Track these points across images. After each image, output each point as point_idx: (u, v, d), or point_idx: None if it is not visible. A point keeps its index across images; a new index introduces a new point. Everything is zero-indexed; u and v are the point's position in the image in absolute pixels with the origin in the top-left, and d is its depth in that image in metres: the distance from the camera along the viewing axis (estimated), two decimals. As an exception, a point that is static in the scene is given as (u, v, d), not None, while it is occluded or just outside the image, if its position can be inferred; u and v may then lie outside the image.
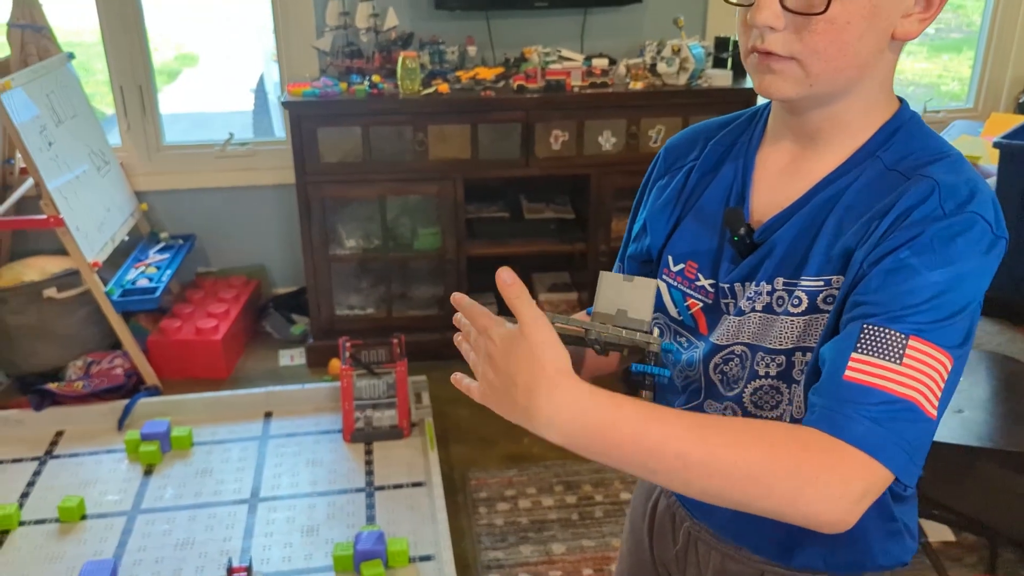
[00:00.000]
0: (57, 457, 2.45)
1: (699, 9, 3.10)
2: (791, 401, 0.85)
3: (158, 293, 2.72)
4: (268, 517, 2.22)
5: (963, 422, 1.66)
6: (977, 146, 2.95)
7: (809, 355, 0.82)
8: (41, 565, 2.06)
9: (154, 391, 2.69)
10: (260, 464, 2.43)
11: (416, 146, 2.72)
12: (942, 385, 0.73)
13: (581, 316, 0.92)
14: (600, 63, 2.79)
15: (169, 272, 2.85)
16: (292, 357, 3.01)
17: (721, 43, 2.90)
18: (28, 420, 2.56)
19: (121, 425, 2.56)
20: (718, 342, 0.89)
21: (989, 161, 2.87)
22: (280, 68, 3.06)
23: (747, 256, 0.86)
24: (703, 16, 3.11)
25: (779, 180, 0.88)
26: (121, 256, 2.89)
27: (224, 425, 2.59)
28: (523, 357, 0.72)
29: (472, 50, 2.94)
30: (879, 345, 0.72)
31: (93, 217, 2.71)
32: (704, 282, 0.91)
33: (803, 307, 0.82)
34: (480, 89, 2.72)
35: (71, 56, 2.91)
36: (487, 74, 2.78)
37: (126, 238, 2.91)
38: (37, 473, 2.38)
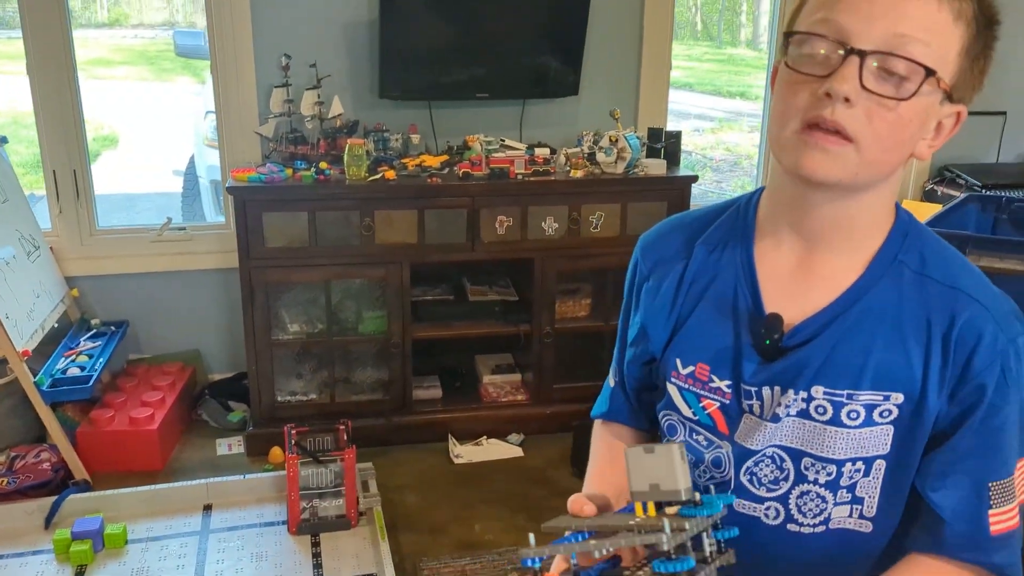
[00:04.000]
0: (-22, 560, 2.30)
1: (631, 101, 3.26)
2: (832, 512, 0.87)
3: (91, 382, 2.61)
4: (212, 618, 2.12)
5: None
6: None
7: (860, 464, 0.84)
8: None
9: (84, 486, 2.56)
10: (201, 560, 2.32)
11: (363, 231, 2.74)
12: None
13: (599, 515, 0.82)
14: (542, 152, 2.89)
15: (102, 360, 2.75)
16: (230, 446, 2.92)
17: (655, 134, 3.04)
18: (-55, 521, 2.39)
19: (49, 523, 2.41)
20: (751, 446, 0.88)
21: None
22: (221, 153, 3.05)
23: (776, 360, 0.86)
24: (635, 108, 3.27)
25: (793, 283, 0.87)
26: (49, 344, 2.77)
27: (160, 520, 2.48)
28: None
29: (416, 138, 3.00)
30: (1004, 495, 0.82)
31: (22, 304, 2.61)
32: (720, 383, 0.89)
33: (860, 420, 0.83)
34: (426, 176, 2.77)
35: (4, 140, 2.84)
36: (433, 161, 2.84)
37: (56, 325, 2.80)
38: (-44, 579, 2.23)
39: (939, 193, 3.40)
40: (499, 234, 2.82)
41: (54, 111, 2.86)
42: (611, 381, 1.07)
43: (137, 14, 10.52)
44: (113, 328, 2.97)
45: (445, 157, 2.90)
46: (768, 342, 0.85)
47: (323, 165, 2.75)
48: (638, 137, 2.93)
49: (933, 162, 3.54)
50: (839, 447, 0.84)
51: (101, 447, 2.69)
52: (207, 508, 2.54)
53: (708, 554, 0.72)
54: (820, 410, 0.84)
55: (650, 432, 1.07)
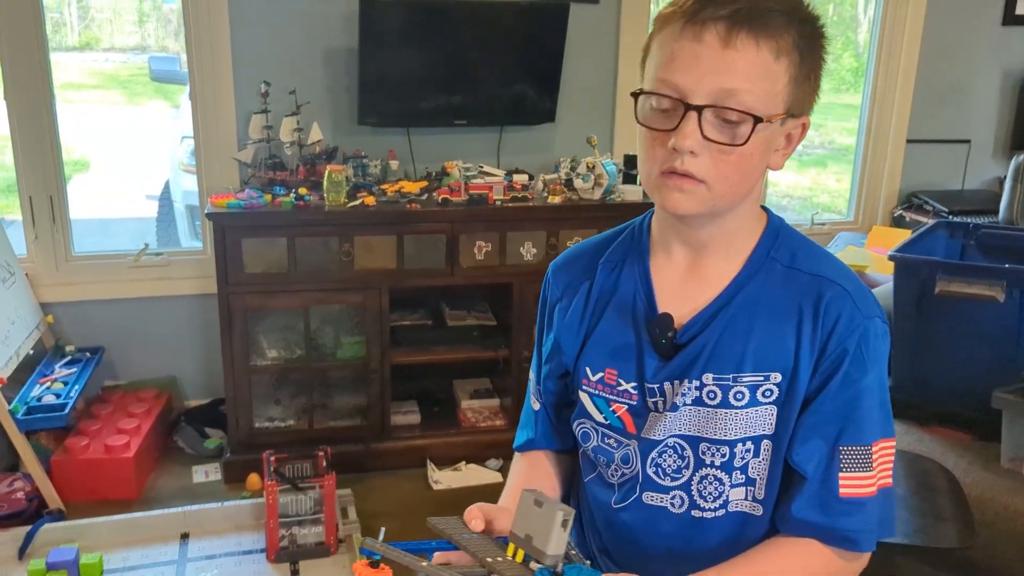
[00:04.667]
0: (-51, 593, 2.26)
1: (607, 128, 3.31)
2: (729, 495, 0.95)
3: (67, 410, 2.59)
4: (191, 648, 2.10)
5: (887, 518, 1.76)
6: (863, 256, 3.21)
7: (750, 444, 0.93)
8: None
9: (58, 515, 2.53)
10: (179, 591, 2.30)
11: (342, 256, 2.75)
12: (894, 456, 0.94)
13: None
14: (520, 178, 2.92)
15: (77, 387, 2.72)
16: (207, 473, 2.89)
17: (631, 160, 3.09)
18: (-85, 553, 2.35)
19: (22, 554, 2.38)
20: (653, 437, 0.97)
21: (875, 270, 3.12)
22: (199, 178, 3.05)
23: (673, 357, 0.95)
24: (611, 134, 3.32)
25: (684, 287, 0.97)
26: (23, 371, 2.74)
27: (137, 549, 2.45)
28: None
29: (394, 164, 3.02)
30: (857, 461, 0.91)
31: (-3, 330, 2.58)
32: (627, 386, 0.98)
33: (746, 400, 0.93)
34: (406, 202, 2.79)
35: (-22, 165, 2.82)
36: (412, 187, 2.86)
37: (31, 351, 2.77)
38: (-74, 612, 2.18)
39: (907, 219, 3.48)
40: (478, 259, 2.84)
41: (31, 136, 2.85)
42: (534, 404, 1.12)
43: (108, 38, 10.47)
44: (88, 354, 2.94)
45: (424, 183, 2.92)
46: (664, 341, 0.95)
47: (302, 191, 2.76)
48: (615, 163, 2.97)
49: (902, 189, 3.63)
50: (730, 428, 0.93)
51: (76, 475, 2.66)
52: (184, 536, 2.52)
53: None
54: (711, 395, 0.94)
55: (571, 454, 1.12)
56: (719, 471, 0.94)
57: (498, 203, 2.82)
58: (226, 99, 2.93)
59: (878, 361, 0.92)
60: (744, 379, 0.92)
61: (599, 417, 1.01)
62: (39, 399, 2.64)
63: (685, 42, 0.85)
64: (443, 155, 3.07)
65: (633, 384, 0.97)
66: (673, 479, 0.97)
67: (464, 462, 2.98)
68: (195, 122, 2.98)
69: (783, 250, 0.95)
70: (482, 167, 3.00)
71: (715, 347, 0.93)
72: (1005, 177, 3.01)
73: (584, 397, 1.02)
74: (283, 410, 2.98)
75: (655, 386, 0.96)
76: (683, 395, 0.94)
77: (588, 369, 1.01)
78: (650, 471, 0.98)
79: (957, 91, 3.56)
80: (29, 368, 2.79)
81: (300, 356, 2.88)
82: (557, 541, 0.79)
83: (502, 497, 1.06)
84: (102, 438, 2.76)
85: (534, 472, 1.09)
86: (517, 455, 1.13)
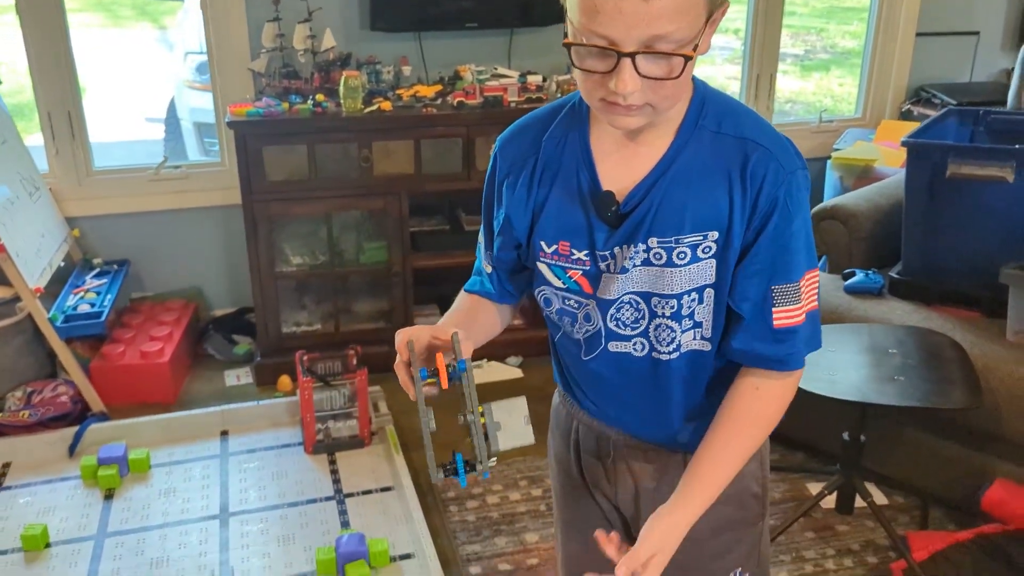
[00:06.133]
0: (8, 488, 2.38)
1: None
2: (680, 339, 1.06)
3: (103, 317, 2.68)
4: (241, 530, 2.22)
5: (900, 388, 1.86)
6: (871, 151, 3.26)
7: (695, 294, 1.02)
8: (10, 595, 2.01)
9: (102, 417, 2.64)
10: (224, 481, 2.42)
11: (361, 162, 2.79)
12: (818, 281, 1.03)
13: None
14: (534, 79, 2.94)
15: (110, 296, 2.80)
16: (238, 377, 3.00)
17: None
18: (-30, 454, 2.47)
19: (72, 452, 2.50)
20: (610, 297, 1.05)
21: (884, 164, 3.17)
22: (214, 91, 3.07)
23: (619, 226, 1.02)
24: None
25: (622, 159, 1.02)
26: (55, 284, 2.81)
27: (180, 446, 2.57)
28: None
29: (407, 70, 3.03)
30: (786, 296, 1.00)
31: (30, 243, 2.65)
32: (580, 254, 1.05)
33: (688, 259, 1.00)
34: (421, 106, 2.82)
35: (-3, 81, 2.84)
36: (427, 91, 2.89)
37: (61, 264, 2.84)
38: (-11, 506, 2.31)
39: (915, 113, 3.50)
40: (494, 162, 2.88)
41: (45, 52, 2.86)
42: (486, 267, 1.16)
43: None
44: (115, 267, 3.02)
45: (439, 87, 2.94)
46: (608, 213, 1.02)
47: (319, 98, 2.79)
48: (626, 63, 2.98)
49: (910, 83, 3.64)
50: (676, 284, 1.02)
51: (114, 381, 2.76)
52: (224, 434, 2.64)
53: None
54: (657, 256, 1.01)
55: (515, 306, 1.22)
56: (670, 320, 1.04)
57: (513, 104, 2.85)
58: (237, 9, 2.93)
59: (801, 207, 0.99)
60: (685, 240, 1.00)
61: (558, 283, 1.09)
62: (75, 308, 2.72)
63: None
64: (454, 60, 3.08)
65: (585, 252, 1.05)
66: (632, 329, 1.07)
67: (485, 359, 3.08)
68: (206, 34, 2.98)
69: (710, 117, 1.00)
70: (496, 69, 3.01)
71: (656, 214, 1.00)
72: (1013, 68, 3.03)
73: (542, 267, 1.09)
74: (309, 315, 3.07)
75: (606, 252, 1.03)
76: (631, 258, 1.02)
77: (543, 243, 1.07)
78: (611, 324, 1.08)
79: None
80: (61, 281, 2.87)
81: (323, 262, 2.96)
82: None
83: (444, 317, 1.16)
84: (136, 345, 2.85)
85: (476, 311, 1.17)
86: (464, 293, 1.21)
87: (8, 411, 2.57)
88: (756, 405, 1.05)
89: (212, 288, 3.28)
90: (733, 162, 0.97)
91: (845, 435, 2.00)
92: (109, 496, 2.35)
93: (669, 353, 1.06)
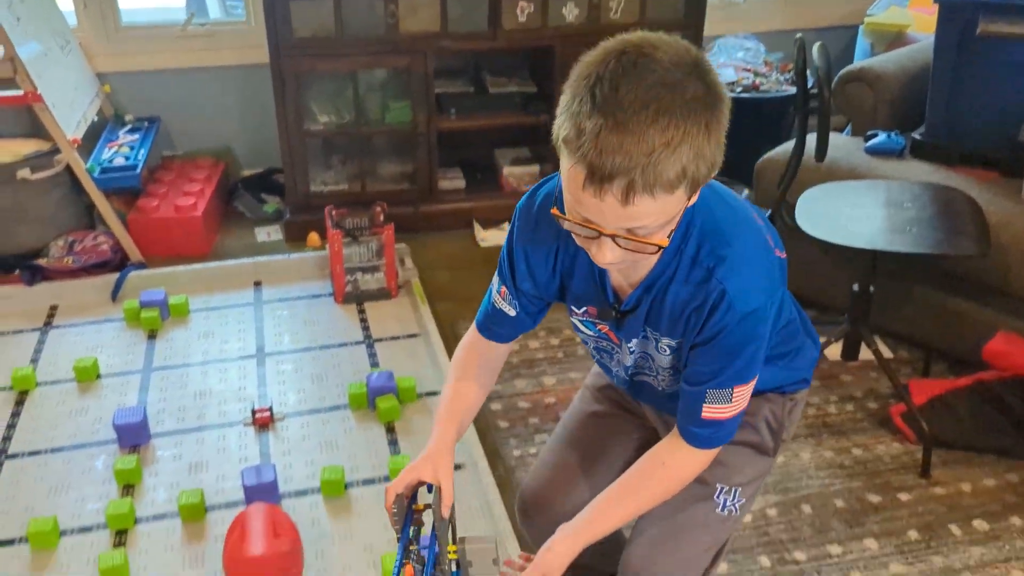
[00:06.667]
0: (57, 327, 2.52)
1: None
2: (664, 382, 1.24)
3: (139, 169, 2.76)
4: (277, 368, 2.36)
5: (912, 237, 1.92)
6: (904, 16, 3.20)
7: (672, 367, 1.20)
8: (68, 419, 2.16)
9: (140, 266, 2.75)
10: (259, 326, 2.55)
11: (388, 19, 2.79)
12: (751, 392, 1.15)
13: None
14: (561, -65, 2.89)
15: (143, 151, 2.87)
16: (268, 233, 3.09)
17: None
18: (19, 296, 2.60)
19: (115, 297, 2.63)
20: (631, 360, 1.24)
21: (916, 29, 3.13)
22: (238, -56, 3.04)
23: (623, 320, 1.17)
24: None
25: (623, 270, 1.12)
26: (88, 140, 2.88)
27: (216, 294, 2.69)
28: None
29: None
30: (718, 398, 1.13)
31: (64, 95, 2.70)
32: (604, 320, 1.20)
33: (668, 352, 1.17)
34: (447, -40, 2.79)
35: (21, -70, 2.83)
36: (453, -55, 2.85)
37: (95, 119, 2.90)
38: (41, 342, 2.45)
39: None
40: (520, 21, 2.87)
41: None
42: (509, 311, 1.23)
43: None
44: (146, 123, 3.07)
45: (465, -59, 2.90)
46: (614, 315, 1.17)
47: (345, -49, 2.76)
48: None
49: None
50: (663, 360, 1.19)
51: (150, 233, 2.86)
52: (257, 284, 2.76)
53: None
54: (647, 341, 1.18)
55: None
56: (668, 373, 1.22)
57: (539, -39, 2.81)
58: None
59: (750, 341, 1.09)
60: (664, 341, 1.16)
61: (589, 333, 1.24)
62: (110, 161, 2.80)
63: (588, 196, 0.91)
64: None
65: (608, 321, 1.20)
66: (648, 371, 1.24)
67: (507, 222, 3.15)
68: None
69: (692, 242, 1.06)
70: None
71: (647, 316, 1.14)
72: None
73: (574, 320, 1.25)
74: (335, 174, 3.13)
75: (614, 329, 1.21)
76: (639, 341, 1.20)
77: (573, 307, 1.21)
78: (636, 369, 1.26)
79: None
80: (94, 137, 2.94)
81: (350, 121, 3.00)
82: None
83: (443, 411, 1.25)
84: (171, 200, 2.94)
85: (473, 393, 1.27)
86: (468, 345, 1.29)
87: (52, 257, 2.69)
88: (659, 474, 1.19)
89: (240, 148, 3.34)
90: (698, 293, 1.07)
91: (855, 286, 2.07)
92: (152, 336, 2.49)
93: (672, 387, 1.23)
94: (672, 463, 1.18)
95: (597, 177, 0.89)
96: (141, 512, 1.88)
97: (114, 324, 2.54)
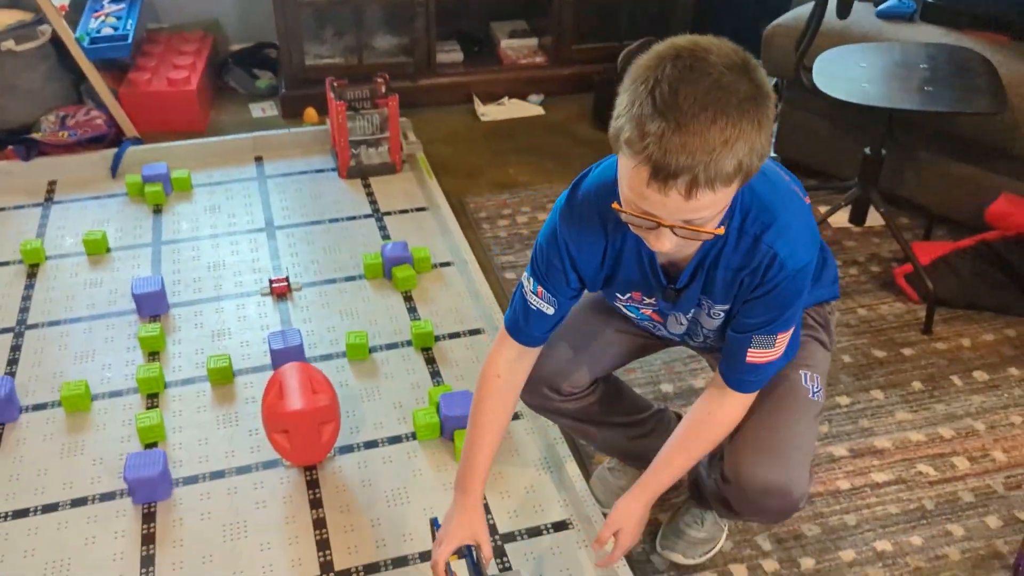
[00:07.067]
0: (59, 202, 2.48)
1: None
2: (708, 340, 1.35)
3: (129, 39, 2.66)
4: (288, 241, 2.36)
5: (929, 96, 1.94)
6: None
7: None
8: (84, 291, 2.16)
9: (137, 142, 2.69)
10: (265, 200, 2.53)
11: None
12: (789, 341, 1.24)
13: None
14: None
15: (132, 21, 2.77)
16: (263, 110, 3.03)
17: None
18: (17, 171, 2.54)
19: (115, 173, 2.58)
20: (675, 331, 1.35)
21: None
22: None
23: (677, 299, 1.24)
24: None
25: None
26: (73, 13, 2.76)
27: (217, 169, 2.65)
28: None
29: None
30: (763, 344, 1.22)
31: (45, -40, 2.57)
32: (650, 300, 1.28)
33: (721, 316, 1.25)
34: None
35: None
36: None
37: (77, -13, 2.78)
38: (44, 217, 2.42)
39: None
40: None
41: None
42: (547, 309, 1.28)
43: None
44: (130, -7, 2.95)
45: None
46: (666, 295, 1.24)
47: None
48: None
49: None
50: (713, 325, 1.29)
51: (143, 108, 2.79)
52: (258, 159, 2.72)
53: None
54: (702, 306, 1.25)
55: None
56: (716, 333, 1.31)
57: None
58: None
59: (798, 294, 1.18)
60: (717, 307, 1.24)
61: (633, 316, 1.35)
62: (98, 31, 2.69)
63: (653, 192, 0.97)
64: None
65: (655, 299, 1.26)
66: (694, 336, 1.35)
67: (507, 97, 3.12)
68: None
69: (739, 212, 1.12)
70: None
71: (701, 290, 1.22)
72: None
73: (618, 304, 1.33)
74: (330, 48, 3.05)
75: (667, 311, 1.29)
76: (687, 310, 1.28)
77: (617, 294, 1.29)
78: (676, 336, 1.39)
79: None
80: (77, 8, 2.81)
81: (345, -10, 2.90)
82: None
83: (468, 469, 1.34)
84: (162, 73, 2.85)
85: (500, 420, 1.35)
86: (491, 376, 1.34)
87: (46, 132, 2.62)
88: (708, 422, 1.29)
89: (228, 21, 3.23)
90: (749, 261, 1.14)
91: (867, 149, 2.10)
92: (158, 211, 2.46)
93: (717, 349, 1.34)
94: (718, 411, 1.28)
95: (662, 175, 0.95)
96: (170, 377, 1.91)
97: (117, 199, 2.50)
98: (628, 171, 0.99)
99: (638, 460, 1.56)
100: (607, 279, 1.26)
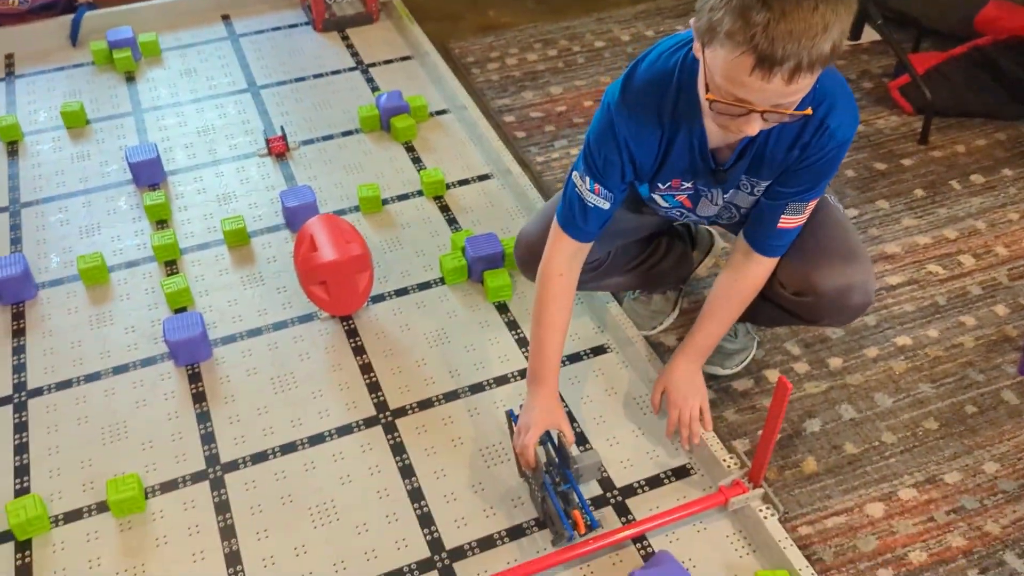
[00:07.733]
0: (22, 76, 2.34)
1: None
2: (734, 219, 1.41)
3: None
4: (275, 100, 2.28)
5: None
6: None
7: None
8: (72, 164, 2.07)
9: (91, 7, 2.52)
10: (242, 60, 2.42)
11: None
12: (811, 207, 1.30)
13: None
14: None
15: None
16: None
17: None
18: (-32, 46, 2.38)
19: (75, 40, 2.43)
20: (705, 214, 1.39)
21: None
22: None
23: (723, 180, 1.28)
24: None
25: (719, 131, 1.18)
26: None
27: (183, 31, 2.52)
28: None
29: None
30: (795, 211, 1.29)
31: None
32: (687, 185, 1.32)
33: (759, 193, 1.30)
34: None
35: None
36: None
37: None
38: (11, 92, 2.29)
39: None
40: None
41: None
42: (603, 204, 1.31)
43: None
44: None
45: None
46: (715, 177, 1.28)
47: None
48: None
49: None
50: (748, 202, 1.34)
51: (92, -30, 2.60)
52: (225, 17, 2.58)
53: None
54: (744, 186, 1.30)
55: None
56: (746, 211, 1.36)
57: None
58: None
59: (838, 165, 1.24)
60: (762, 183, 1.28)
61: (665, 205, 1.38)
62: None
63: (755, 79, 1.00)
64: None
65: (691, 184, 1.31)
66: (723, 218, 1.42)
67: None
68: None
69: None
70: None
71: (746, 170, 1.26)
72: None
73: (655, 196, 1.36)
74: None
75: (705, 190, 1.32)
76: (726, 191, 1.32)
77: (659, 183, 1.32)
78: (703, 219, 1.44)
79: None
80: None
81: None
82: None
83: (539, 364, 1.39)
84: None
85: (565, 316, 1.40)
86: (553, 274, 1.37)
87: (-7, 2, 2.43)
88: (738, 286, 1.39)
89: None
90: (802, 134, 1.18)
91: (863, -39, 2.08)
92: (131, 79, 2.34)
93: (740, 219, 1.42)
94: (744, 279, 1.38)
95: (767, 64, 0.98)
96: (184, 244, 1.88)
97: (84, 69, 2.37)
98: (727, 61, 1.02)
99: (657, 285, 1.67)
100: (659, 165, 1.29)
